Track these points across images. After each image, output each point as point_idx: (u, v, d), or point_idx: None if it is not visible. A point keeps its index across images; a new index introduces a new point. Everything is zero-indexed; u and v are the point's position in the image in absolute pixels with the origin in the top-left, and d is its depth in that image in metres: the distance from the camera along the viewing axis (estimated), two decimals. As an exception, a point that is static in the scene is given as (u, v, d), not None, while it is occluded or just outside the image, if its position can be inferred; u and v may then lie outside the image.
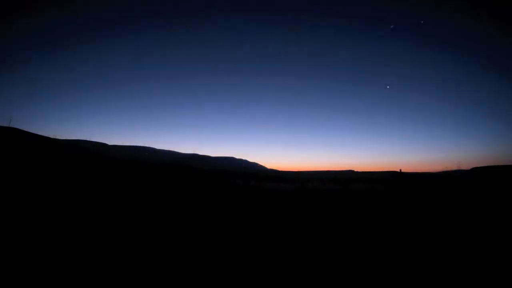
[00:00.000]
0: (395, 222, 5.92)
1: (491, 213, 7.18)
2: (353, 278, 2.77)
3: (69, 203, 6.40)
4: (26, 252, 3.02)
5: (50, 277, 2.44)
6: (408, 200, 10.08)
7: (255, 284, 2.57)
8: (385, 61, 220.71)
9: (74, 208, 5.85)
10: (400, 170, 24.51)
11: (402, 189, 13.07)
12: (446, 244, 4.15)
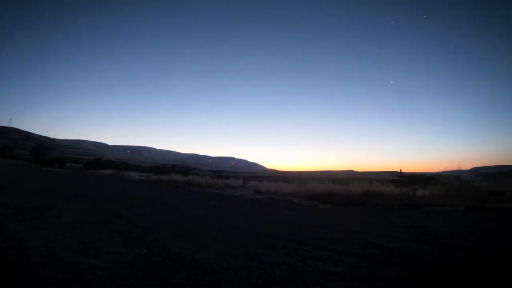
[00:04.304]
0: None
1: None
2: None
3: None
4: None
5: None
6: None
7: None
8: (387, 58, 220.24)
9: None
10: (400, 170, 24.54)
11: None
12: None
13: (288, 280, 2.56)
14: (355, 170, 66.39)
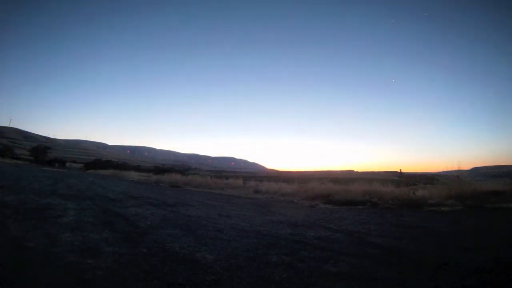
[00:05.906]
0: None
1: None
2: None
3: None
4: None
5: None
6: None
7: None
8: (388, 57, 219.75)
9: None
10: (400, 170, 24.44)
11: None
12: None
13: (288, 280, 2.56)
14: (355, 170, 66.32)
